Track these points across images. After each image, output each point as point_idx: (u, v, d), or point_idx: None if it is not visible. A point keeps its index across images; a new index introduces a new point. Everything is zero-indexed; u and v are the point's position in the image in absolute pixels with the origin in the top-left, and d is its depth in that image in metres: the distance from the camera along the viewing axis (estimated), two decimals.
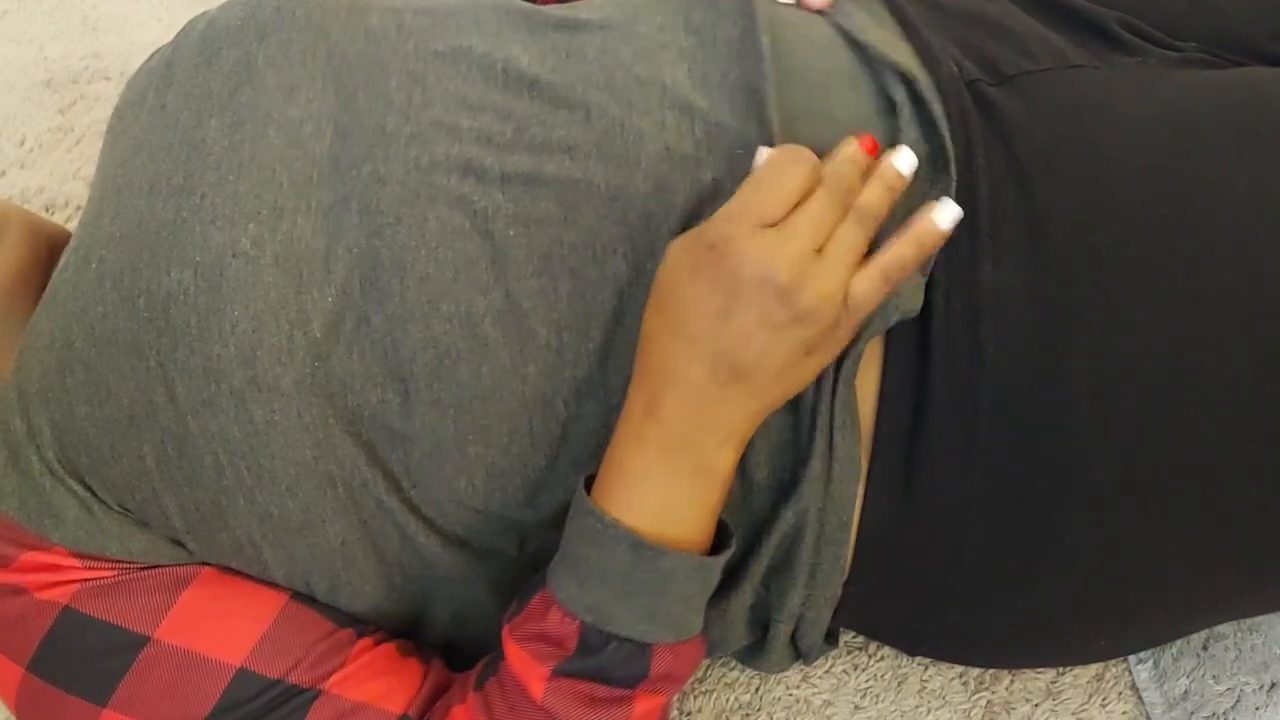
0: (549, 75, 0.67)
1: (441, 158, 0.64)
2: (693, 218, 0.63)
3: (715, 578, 0.62)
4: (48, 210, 1.10)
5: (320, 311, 0.62)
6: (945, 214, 0.60)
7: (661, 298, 0.59)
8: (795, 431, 0.64)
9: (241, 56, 0.69)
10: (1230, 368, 0.62)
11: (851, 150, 0.61)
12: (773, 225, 0.58)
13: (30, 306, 0.71)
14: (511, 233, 0.63)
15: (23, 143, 1.14)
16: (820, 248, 0.58)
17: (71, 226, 1.07)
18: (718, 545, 0.63)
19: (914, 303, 0.63)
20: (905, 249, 0.59)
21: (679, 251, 0.59)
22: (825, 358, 0.60)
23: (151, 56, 0.76)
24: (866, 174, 0.61)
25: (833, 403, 0.63)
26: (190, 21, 0.75)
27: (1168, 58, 0.72)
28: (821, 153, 0.61)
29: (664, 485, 0.59)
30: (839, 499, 0.65)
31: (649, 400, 0.59)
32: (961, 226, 0.64)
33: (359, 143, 0.65)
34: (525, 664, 0.61)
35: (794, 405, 0.64)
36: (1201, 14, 0.75)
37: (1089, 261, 0.63)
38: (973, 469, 0.64)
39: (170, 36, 0.76)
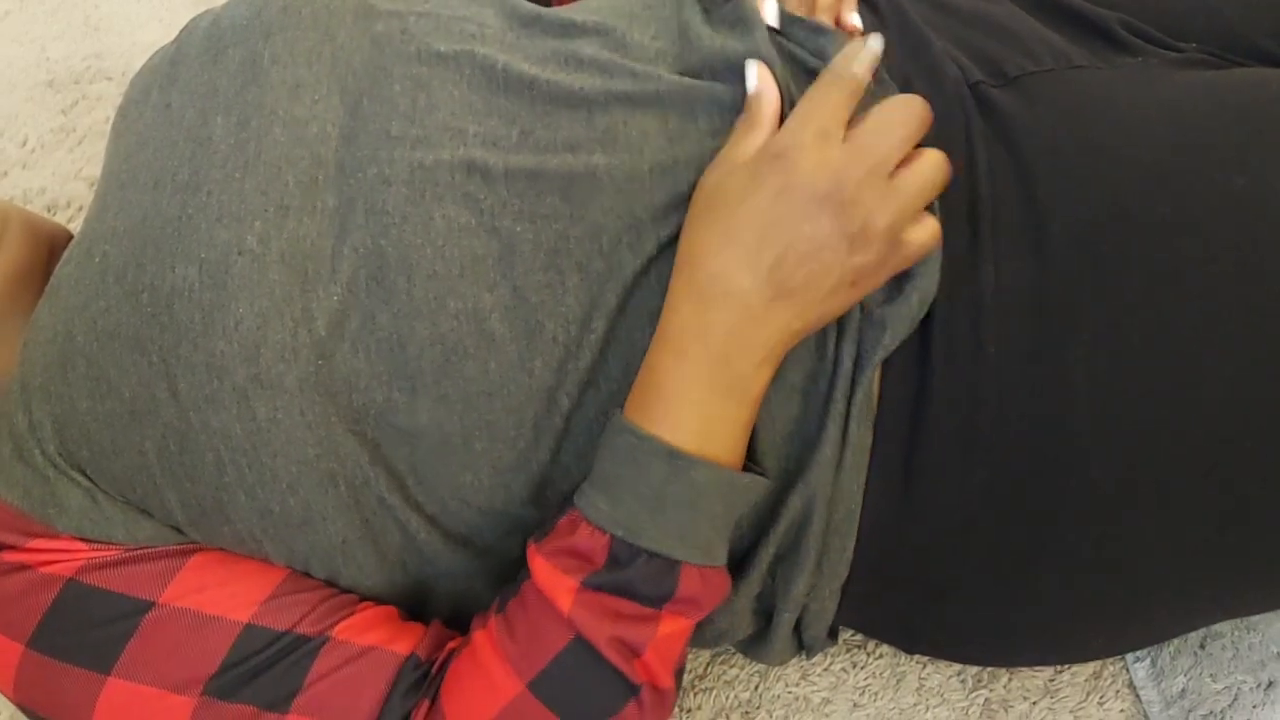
0: (549, 76, 0.67)
1: (446, 159, 0.64)
2: None
3: (743, 501, 0.63)
4: (50, 211, 1.10)
5: (325, 310, 0.63)
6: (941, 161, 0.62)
7: (714, 208, 0.60)
8: (802, 421, 0.64)
9: (248, 55, 0.69)
10: (1231, 367, 0.62)
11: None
12: (835, 140, 0.59)
13: (31, 306, 0.71)
14: (518, 229, 0.63)
15: (25, 143, 1.14)
16: (890, 175, 0.59)
17: (74, 227, 1.07)
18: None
19: (933, 287, 0.64)
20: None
21: (735, 165, 0.60)
22: (863, 292, 0.61)
23: (155, 54, 0.76)
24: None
25: (852, 390, 0.64)
26: (194, 19, 0.75)
27: (1169, 58, 0.73)
28: None
29: (702, 401, 0.60)
30: (847, 488, 0.65)
31: (693, 314, 0.59)
32: (963, 227, 0.64)
33: (364, 147, 0.65)
34: (552, 576, 0.61)
35: (804, 392, 0.64)
36: (1202, 14, 0.75)
37: (1091, 261, 0.63)
38: (973, 467, 0.64)
39: (172, 37, 0.76)
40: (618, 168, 0.64)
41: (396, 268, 0.63)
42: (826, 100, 0.61)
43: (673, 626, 0.62)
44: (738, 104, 0.66)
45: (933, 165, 0.61)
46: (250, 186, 0.64)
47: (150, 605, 0.64)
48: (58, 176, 1.12)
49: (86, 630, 0.64)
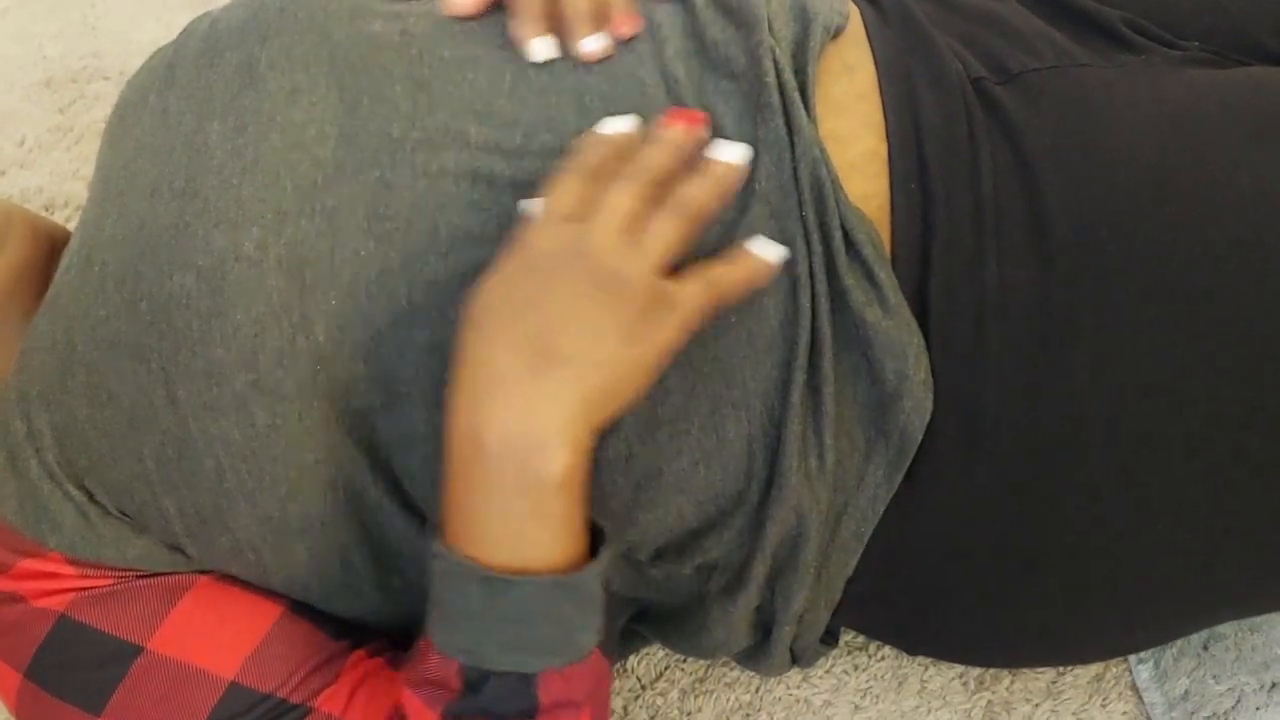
0: (554, 82, 0.67)
1: (450, 165, 0.64)
2: None
3: (591, 591, 0.59)
4: (47, 210, 1.10)
5: (323, 315, 0.62)
6: (765, 250, 0.62)
7: (471, 304, 0.58)
8: (757, 439, 0.63)
9: (244, 59, 0.69)
10: (1233, 366, 0.62)
11: (667, 134, 0.62)
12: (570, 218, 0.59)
13: (31, 306, 0.71)
14: None
15: (22, 142, 1.14)
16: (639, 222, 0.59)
17: (71, 226, 1.07)
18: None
19: (926, 404, 0.63)
20: (733, 272, 0.61)
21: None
22: (648, 350, 0.57)
23: (152, 57, 0.76)
24: (690, 154, 0.62)
25: (816, 406, 0.63)
26: (193, 22, 0.75)
27: (1172, 56, 0.72)
28: None
29: (500, 508, 0.56)
30: (864, 509, 0.65)
31: (466, 412, 0.57)
32: (966, 224, 0.64)
33: (365, 148, 0.65)
34: (418, 709, 0.61)
35: (753, 409, 0.63)
36: (1206, 13, 0.75)
37: (1094, 259, 0.63)
38: (976, 467, 0.64)
39: (170, 36, 0.76)
40: None
41: (398, 274, 0.63)
42: (565, 180, 0.60)
43: None
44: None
45: (668, 219, 0.59)
46: (248, 193, 0.64)
47: (138, 651, 0.64)
48: (55, 175, 1.12)
49: (78, 670, 0.64)
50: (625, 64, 0.67)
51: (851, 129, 0.67)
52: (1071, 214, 0.63)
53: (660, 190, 0.60)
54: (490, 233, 0.63)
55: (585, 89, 0.66)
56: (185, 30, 0.74)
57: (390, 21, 0.70)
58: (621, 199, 0.59)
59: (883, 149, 0.66)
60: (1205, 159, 0.64)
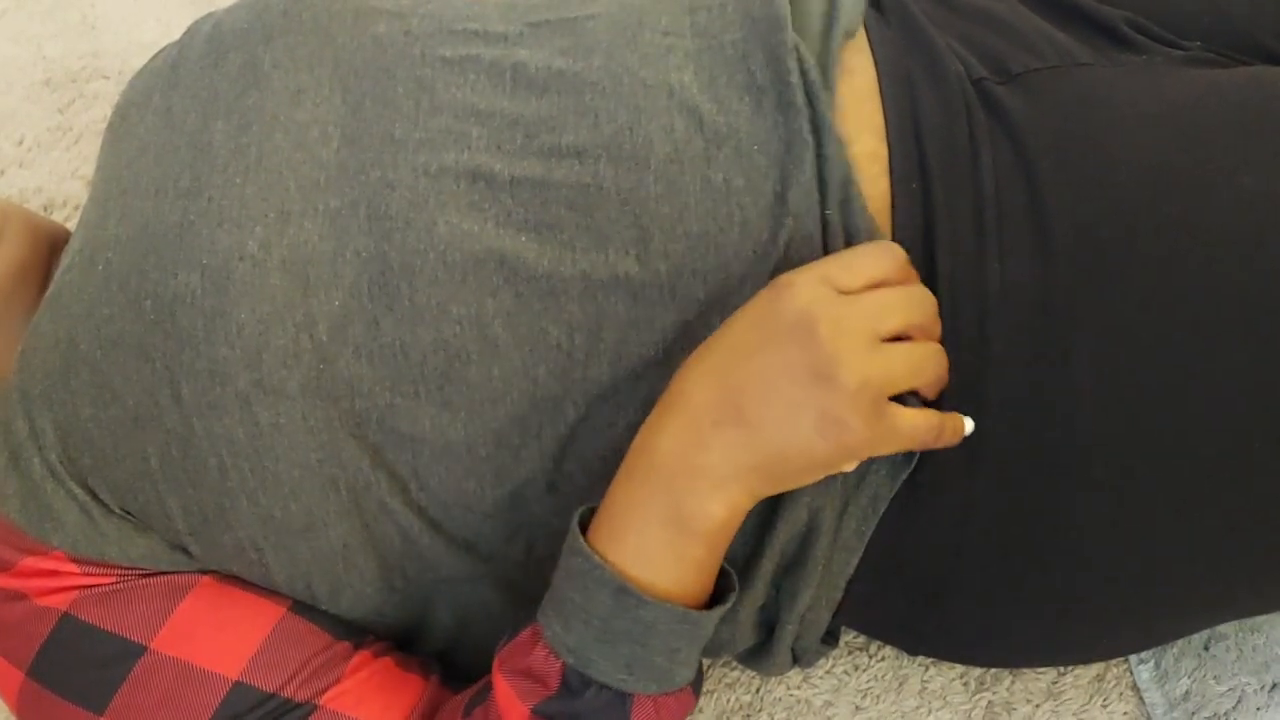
0: (557, 82, 0.67)
1: (451, 164, 0.65)
2: (705, 218, 0.64)
3: (706, 632, 0.61)
4: (46, 210, 1.10)
5: (326, 315, 0.63)
6: (969, 425, 0.62)
7: (723, 324, 0.59)
8: None
9: (248, 60, 0.69)
10: (1235, 366, 0.62)
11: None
12: (835, 289, 0.58)
13: (30, 305, 0.72)
14: (523, 237, 0.63)
15: (21, 142, 1.14)
16: (884, 339, 0.58)
17: (70, 225, 1.07)
18: (718, 598, 0.62)
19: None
20: (951, 433, 0.61)
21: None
22: (832, 450, 0.57)
23: (155, 57, 0.76)
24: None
25: None
26: (196, 23, 0.75)
27: (1174, 57, 0.73)
28: None
29: (644, 527, 0.58)
30: (865, 509, 0.66)
31: (649, 428, 0.59)
32: (968, 224, 0.64)
33: (367, 149, 0.65)
34: (509, 699, 0.61)
35: None
36: (1207, 13, 0.75)
37: (1095, 259, 0.63)
38: (977, 468, 0.64)
39: (170, 36, 0.76)
40: (624, 178, 0.64)
41: (399, 273, 0.63)
42: (851, 258, 0.60)
43: None
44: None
45: (931, 352, 0.60)
46: (251, 192, 0.64)
47: (142, 650, 0.65)
48: (54, 175, 1.12)
49: (80, 668, 0.65)
50: (628, 64, 0.67)
51: (852, 130, 0.67)
52: (1072, 213, 0.63)
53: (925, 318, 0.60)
54: (489, 231, 0.63)
55: (586, 89, 0.66)
56: (188, 31, 0.75)
57: (393, 21, 0.70)
58: (896, 309, 0.58)
59: (883, 150, 0.67)
60: (1206, 158, 0.64)
